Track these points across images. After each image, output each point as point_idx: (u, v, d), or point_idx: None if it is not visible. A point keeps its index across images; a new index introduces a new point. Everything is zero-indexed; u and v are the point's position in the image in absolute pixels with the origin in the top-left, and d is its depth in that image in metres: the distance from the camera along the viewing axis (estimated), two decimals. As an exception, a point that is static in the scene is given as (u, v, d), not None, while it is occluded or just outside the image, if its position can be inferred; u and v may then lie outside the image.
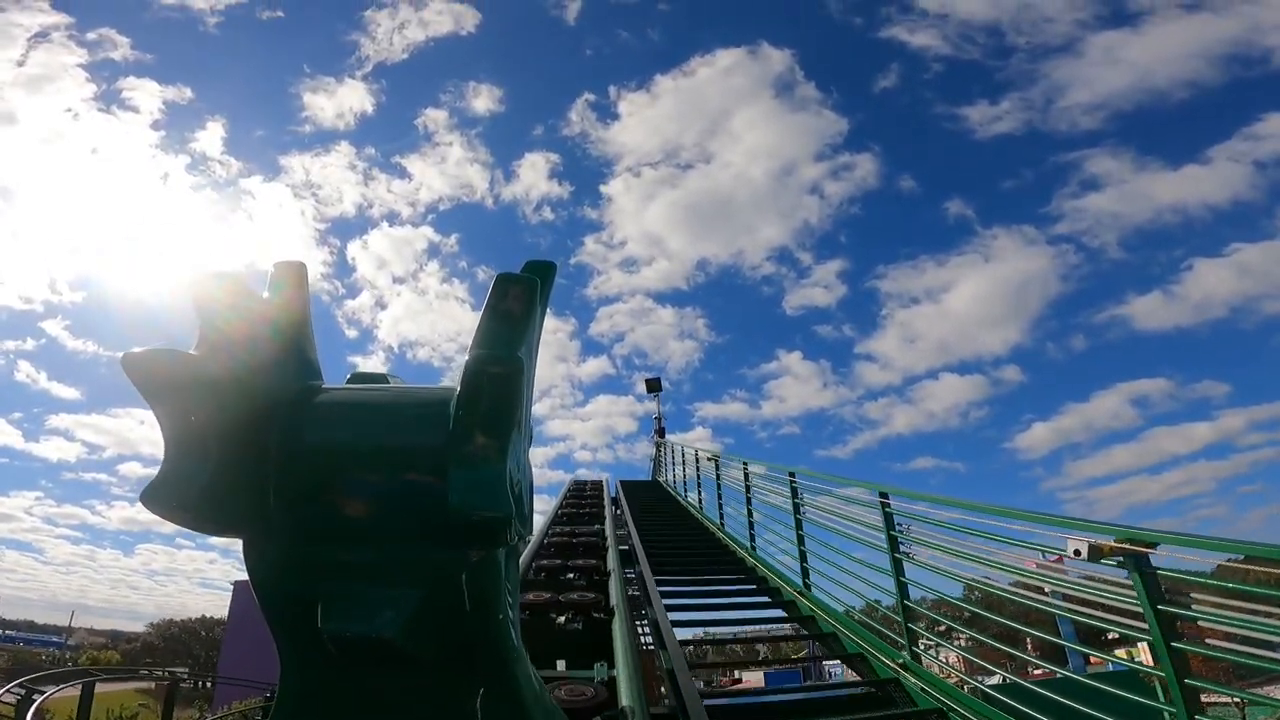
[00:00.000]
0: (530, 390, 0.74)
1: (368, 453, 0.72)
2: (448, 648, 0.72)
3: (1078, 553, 2.84)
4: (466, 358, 0.66)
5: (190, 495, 0.63)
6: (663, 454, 17.66)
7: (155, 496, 0.63)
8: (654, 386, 22.16)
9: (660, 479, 16.84)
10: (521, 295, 0.71)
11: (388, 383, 0.86)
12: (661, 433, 20.26)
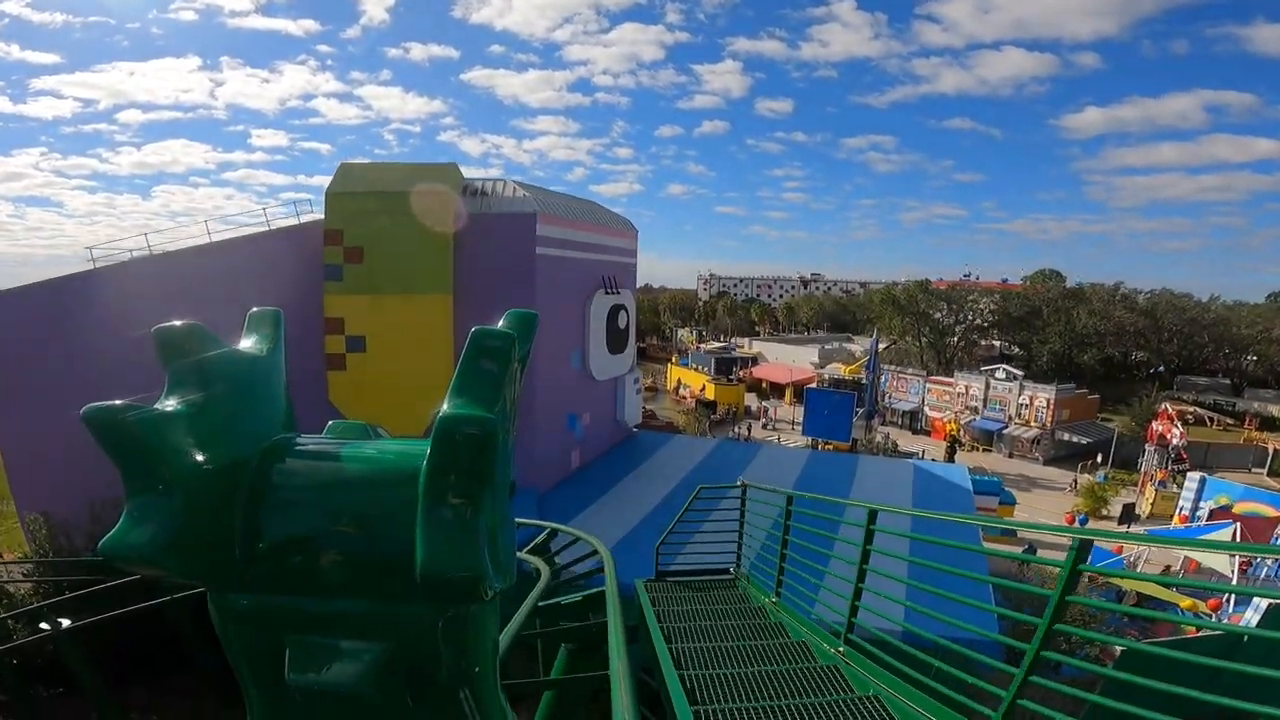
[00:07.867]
0: (511, 445, 0.75)
1: (338, 508, 0.72)
2: (423, 698, 0.72)
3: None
4: (439, 413, 0.66)
5: (156, 546, 0.62)
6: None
7: (118, 545, 0.61)
8: None
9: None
10: (499, 351, 0.72)
11: (366, 435, 0.85)
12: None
